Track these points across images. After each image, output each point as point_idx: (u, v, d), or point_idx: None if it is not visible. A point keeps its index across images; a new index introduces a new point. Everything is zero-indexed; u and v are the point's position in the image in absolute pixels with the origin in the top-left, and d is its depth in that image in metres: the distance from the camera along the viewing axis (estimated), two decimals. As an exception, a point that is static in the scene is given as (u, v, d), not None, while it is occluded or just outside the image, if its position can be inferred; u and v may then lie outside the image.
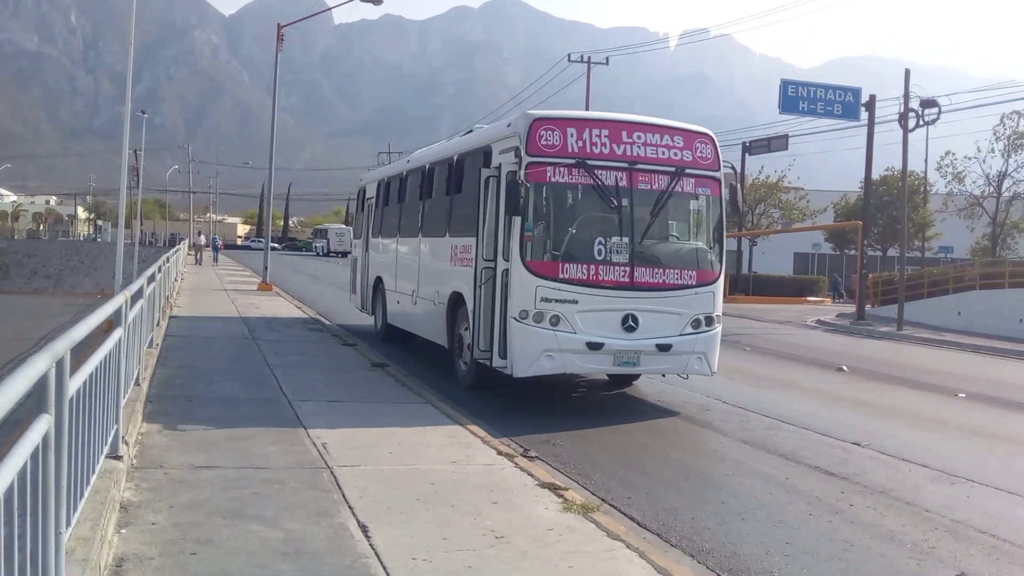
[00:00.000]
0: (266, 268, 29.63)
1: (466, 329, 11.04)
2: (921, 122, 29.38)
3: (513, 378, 10.06)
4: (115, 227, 34.39)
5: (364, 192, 18.60)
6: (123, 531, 5.18)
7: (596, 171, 9.81)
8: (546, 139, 9.74)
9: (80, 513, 4.46)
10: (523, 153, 9.62)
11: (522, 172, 9.56)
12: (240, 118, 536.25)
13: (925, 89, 30.11)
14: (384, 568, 4.84)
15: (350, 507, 5.86)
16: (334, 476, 6.59)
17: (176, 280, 25.22)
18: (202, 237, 55.85)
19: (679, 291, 10.11)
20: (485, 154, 11.02)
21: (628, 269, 9.86)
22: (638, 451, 8.76)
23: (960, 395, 13.90)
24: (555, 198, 10.02)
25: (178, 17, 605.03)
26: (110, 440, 5.78)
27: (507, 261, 9.83)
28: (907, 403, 12.88)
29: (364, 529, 5.44)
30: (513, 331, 9.73)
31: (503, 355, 9.89)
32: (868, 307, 32.63)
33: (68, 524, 3.98)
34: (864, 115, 29.75)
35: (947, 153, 44.48)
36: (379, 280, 16.49)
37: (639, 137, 10.11)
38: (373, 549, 5.12)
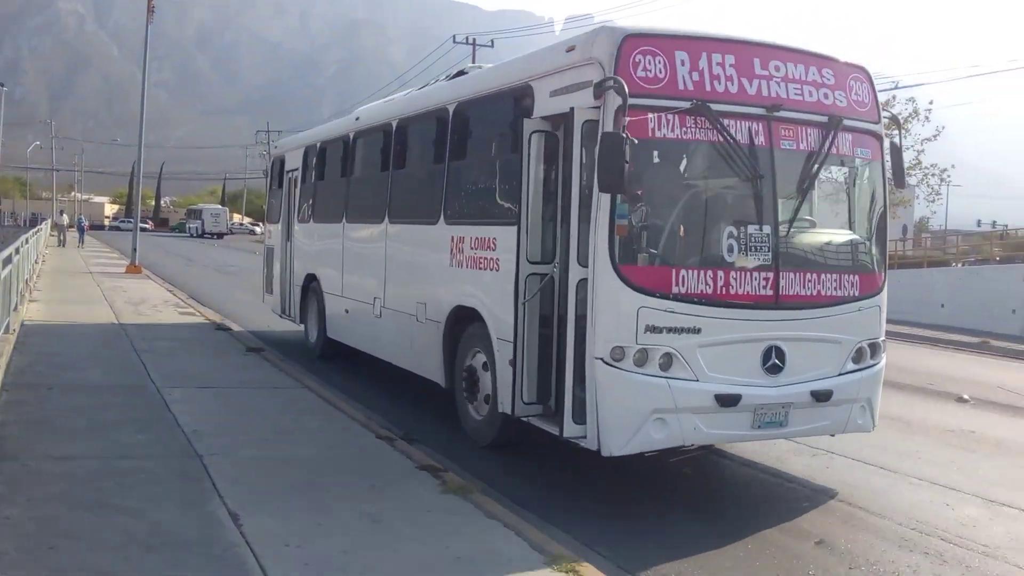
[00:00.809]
0: (135, 250, 28.40)
1: (483, 364, 7.77)
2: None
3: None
4: (-31, 206, 32.28)
5: (282, 163, 14.45)
6: (-28, 527, 4.89)
7: (723, 120, 6.39)
8: (645, 68, 6.22)
9: (-79, 510, 4.17)
10: (622, 90, 5.99)
11: (618, 121, 5.99)
12: (109, 93, 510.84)
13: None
14: (255, 556, 4.74)
15: (220, 496, 5.71)
16: (204, 464, 6.39)
17: (36, 262, 23.90)
18: (64, 217, 52.97)
19: (839, 307, 6.86)
20: (517, 98, 7.50)
21: (771, 276, 6.51)
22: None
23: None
24: (661, 164, 6.72)
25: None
26: (-43, 432, 5.42)
27: (584, 267, 6.30)
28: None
29: (235, 517, 5.31)
30: (602, 381, 6.13)
31: (579, 418, 6.29)
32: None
33: (-95, 522, 3.71)
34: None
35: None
36: (312, 279, 12.51)
37: (778, 69, 6.72)
38: (244, 537, 5.00)
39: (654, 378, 6.16)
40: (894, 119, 7.45)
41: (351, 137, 11.56)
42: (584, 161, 6.37)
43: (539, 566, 4.90)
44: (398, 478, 6.41)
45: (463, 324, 8.11)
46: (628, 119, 6.00)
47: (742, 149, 6.47)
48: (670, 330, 6.20)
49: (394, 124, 10.12)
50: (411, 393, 10.00)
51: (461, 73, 9.79)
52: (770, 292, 6.52)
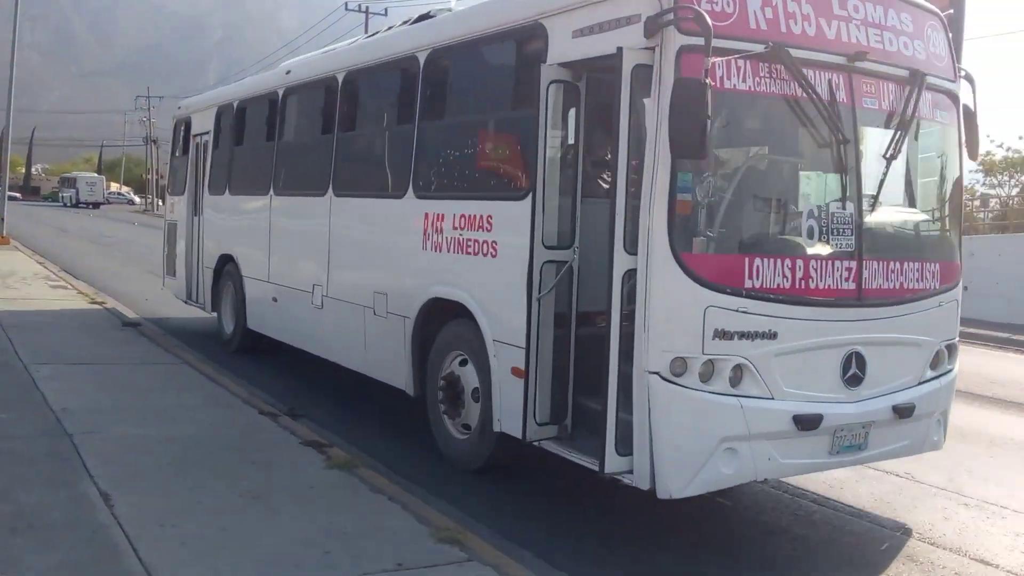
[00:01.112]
0: (2, 219, 26.82)
1: (461, 362, 6.55)
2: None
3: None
4: None
5: (188, 126, 12.51)
6: None
7: (803, 70, 5.15)
8: (711, 0, 4.91)
9: None
10: (703, 23, 4.68)
11: (692, 65, 4.73)
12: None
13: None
14: (127, 537, 4.58)
15: (91, 476, 5.48)
16: (74, 444, 6.12)
17: None
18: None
19: (921, 302, 5.74)
20: (520, 42, 6.24)
21: (854, 266, 5.35)
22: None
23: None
24: (728, 124, 5.33)
25: None
26: None
27: (632, 254, 5.00)
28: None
29: (106, 498, 5.11)
30: (658, 402, 4.91)
31: (623, 448, 5.05)
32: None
33: None
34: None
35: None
36: (228, 261, 10.83)
37: (857, 10, 5.49)
38: (115, 518, 4.82)
39: (724, 397, 4.95)
40: (969, 78, 6.20)
41: (280, 94, 9.74)
42: (632, 118, 5.00)
43: (424, 538, 4.89)
44: (281, 454, 6.29)
45: (439, 320, 6.75)
46: (712, 60, 4.68)
47: (824, 106, 5.23)
48: (742, 335, 4.97)
49: (340, 78, 8.40)
50: (306, 372, 9.80)
51: (425, 17, 7.95)
52: (852, 286, 5.34)
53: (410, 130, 7.21)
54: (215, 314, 11.42)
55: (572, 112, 5.79)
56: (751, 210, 5.37)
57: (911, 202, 6.19)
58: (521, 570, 4.64)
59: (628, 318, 5.02)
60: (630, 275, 5.01)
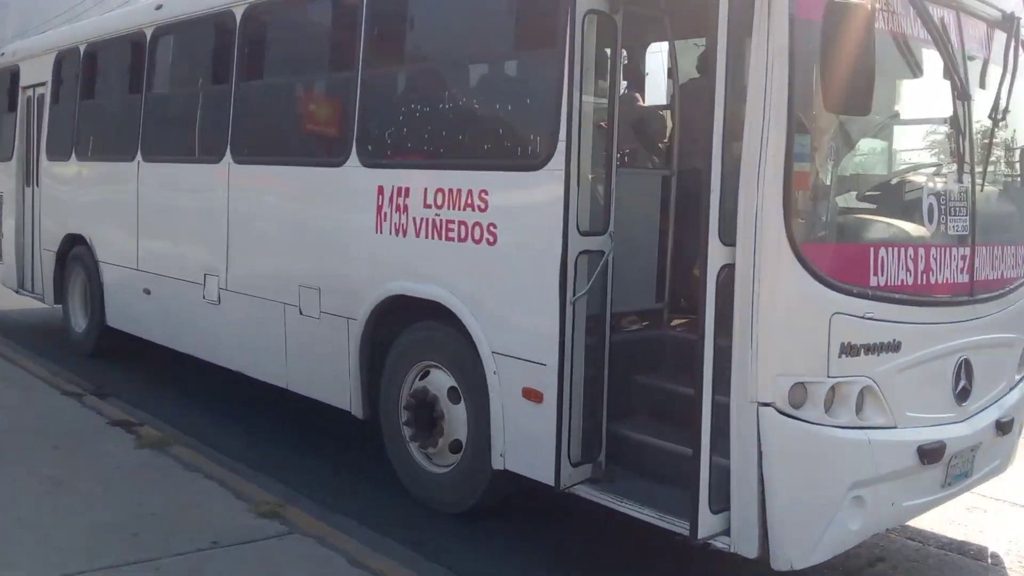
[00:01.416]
0: None
1: (422, 375, 5.28)
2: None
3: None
4: None
5: (15, 76, 10.49)
6: None
7: (919, 9, 4.06)
8: None
9: None
10: None
11: None
12: None
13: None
14: (-94, 535, 4.21)
15: None
16: None
17: None
18: None
19: (1017, 292, 4.82)
20: None
21: (968, 254, 4.41)
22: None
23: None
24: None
25: None
26: None
27: (729, 245, 3.77)
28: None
29: None
30: (774, 443, 3.74)
31: (717, 505, 3.86)
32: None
33: None
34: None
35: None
36: (77, 242, 8.94)
37: None
38: None
39: (851, 431, 3.86)
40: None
41: (148, 35, 7.85)
42: (730, 60, 3.78)
43: (242, 514, 4.77)
44: (86, 436, 5.97)
45: (399, 320, 5.38)
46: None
47: (944, 54, 4.20)
48: (868, 349, 3.88)
49: (240, 12, 6.66)
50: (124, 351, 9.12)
51: None
52: (965, 278, 4.38)
53: (351, 78, 5.64)
54: (59, 307, 9.54)
55: (609, 51, 4.58)
56: (870, 185, 4.41)
57: (1006, 173, 5.25)
58: (344, 538, 4.60)
59: (723, 327, 3.84)
60: (726, 272, 3.82)
